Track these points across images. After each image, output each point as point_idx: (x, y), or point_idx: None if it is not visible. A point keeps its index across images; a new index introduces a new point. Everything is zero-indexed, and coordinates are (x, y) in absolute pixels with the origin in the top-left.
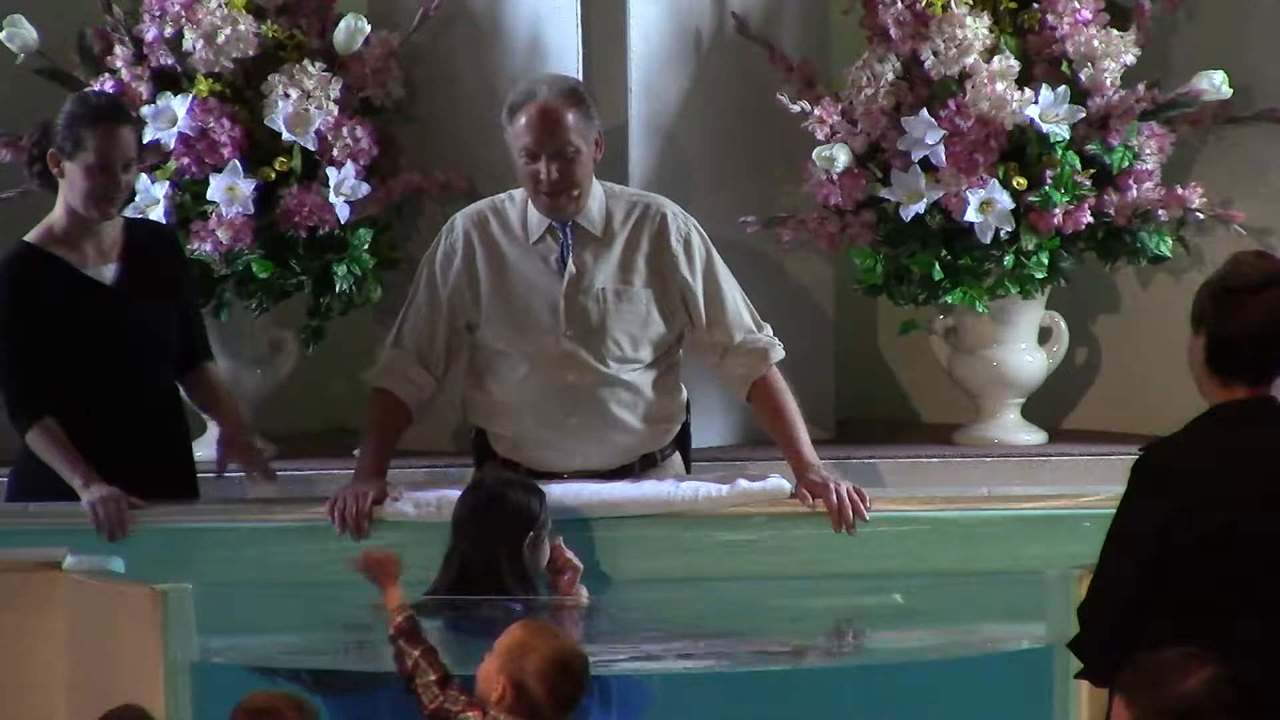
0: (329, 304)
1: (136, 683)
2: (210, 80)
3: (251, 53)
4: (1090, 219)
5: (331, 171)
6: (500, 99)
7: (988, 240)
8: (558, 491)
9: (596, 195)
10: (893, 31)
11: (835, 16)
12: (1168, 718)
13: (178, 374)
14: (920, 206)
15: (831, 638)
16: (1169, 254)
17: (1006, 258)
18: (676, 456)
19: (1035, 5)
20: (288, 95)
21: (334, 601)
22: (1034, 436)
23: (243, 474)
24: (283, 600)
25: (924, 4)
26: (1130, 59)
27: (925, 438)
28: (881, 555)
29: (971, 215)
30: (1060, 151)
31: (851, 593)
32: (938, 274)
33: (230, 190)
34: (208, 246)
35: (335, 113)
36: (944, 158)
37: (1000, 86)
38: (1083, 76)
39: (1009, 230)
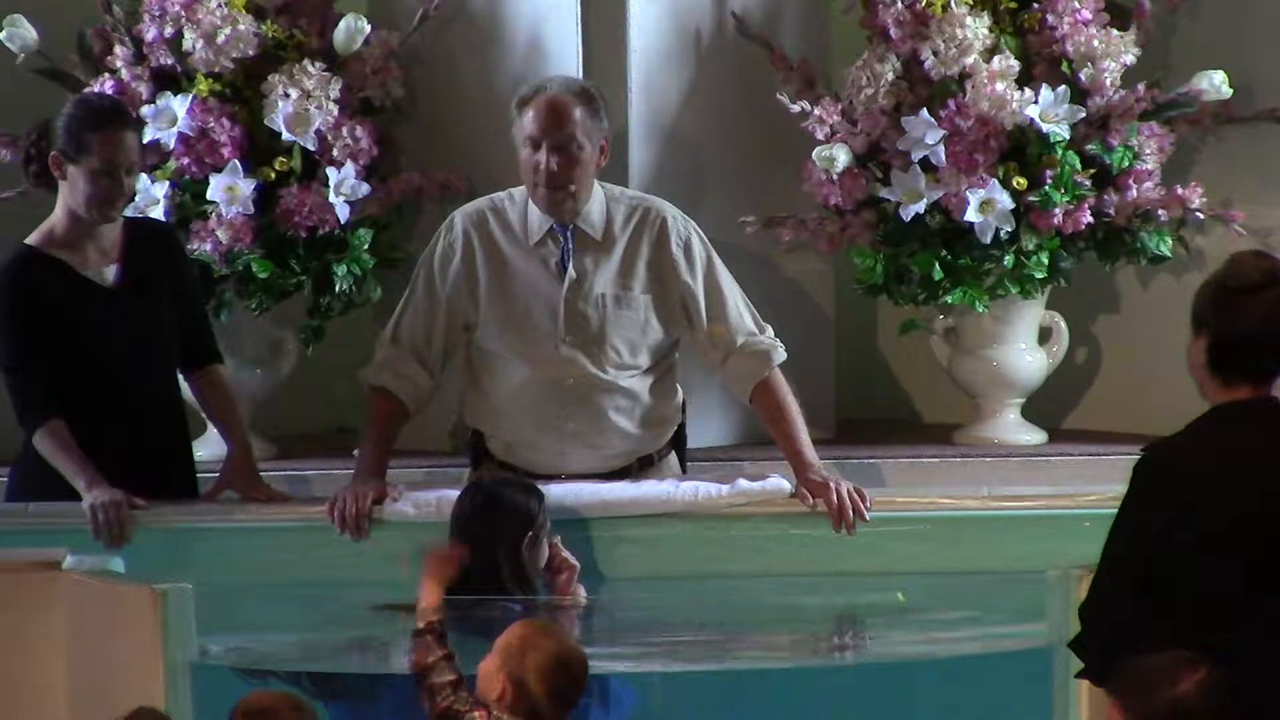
0: (329, 304)
1: (136, 683)
2: (210, 80)
3: (251, 53)
4: (1090, 219)
5: (331, 171)
6: (500, 99)
7: (988, 240)
8: (557, 492)
9: (597, 198)
10: (893, 31)
11: (835, 16)
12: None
13: (185, 373)
14: (920, 206)
15: (831, 638)
16: (1169, 254)
17: (1006, 258)
18: (673, 457)
19: (1035, 5)
20: (288, 95)
21: (334, 601)
22: (1034, 436)
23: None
24: (283, 600)
25: (924, 4)
26: (1130, 59)
27: (925, 438)
28: (881, 555)
29: (971, 215)
30: (1060, 151)
31: (851, 593)
32: (938, 274)
33: (230, 190)
34: (208, 246)
35: (335, 113)
36: (944, 158)
37: (1000, 86)
38: (1083, 76)
39: (1009, 230)
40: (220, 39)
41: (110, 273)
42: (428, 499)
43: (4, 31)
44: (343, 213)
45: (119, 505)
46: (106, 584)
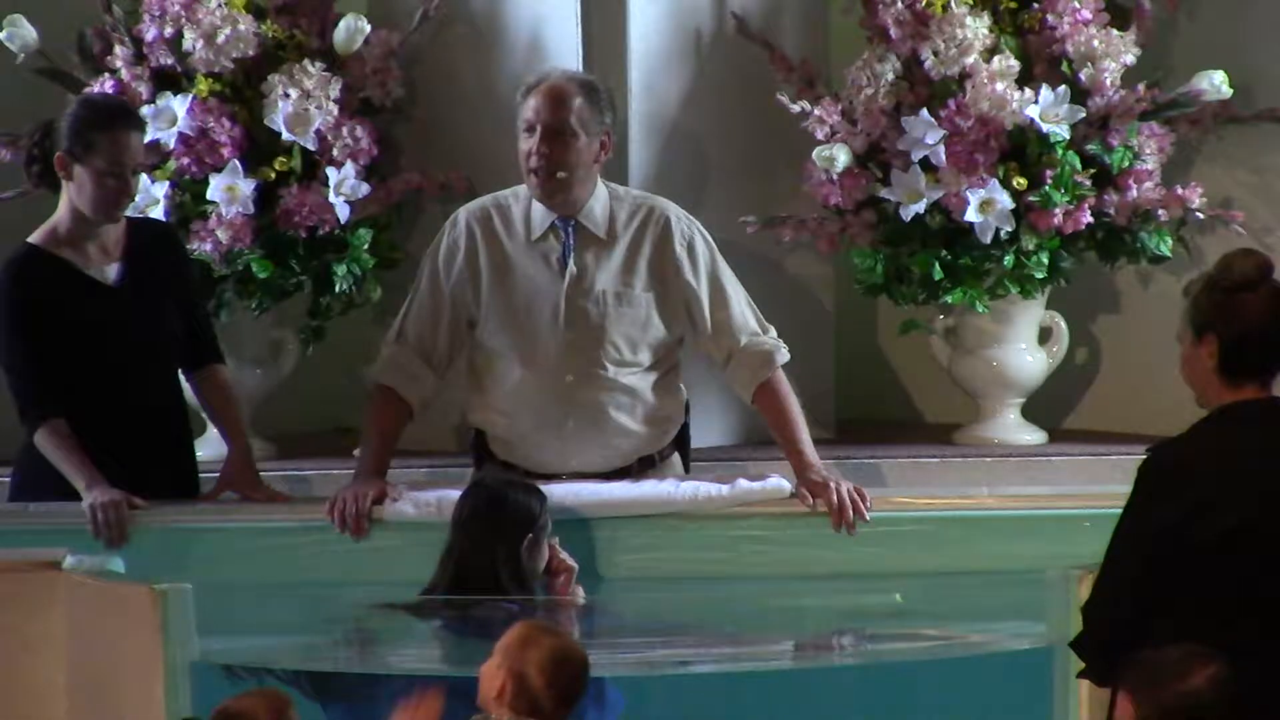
0: (329, 304)
1: (136, 683)
2: (210, 80)
3: (251, 53)
4: (1090, 219)
5: (331, 171)
6: (500, 99)
7: (988, 240)
8: (557, 492)
9: (600, 196)
10: (893, 31)
11: (835, 16)
12: (1173, 714)
13: (187, 373)
14: (920, 206)
15: (831, 638)
16: (1169, 254)
17: (1006, 258)
18: (675, 457)
19: (1035, 5)
20: (288, 95)
21: (334, 602)
22: (1034, 436)
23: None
24: (283, 600)
25: (924, 4)
26: (1130, 59)
27: (925, 438)
28: (881, 555)
29: (971, 215)
30: (1060, 151)
31: (851, 593)
32: (938, 274)
33: (230, 190)
34: (208, 246)
35: (335, 113)
36: (944, 158)
37: (1000, 86)
38: (1083, 76)
39: (1009, 230)
40: (220, 39)
41: (113, 272)
42: (428, 499)
43: (4, 31)
44: (343, 213)
45: (119, 505)
46: (106, 584)
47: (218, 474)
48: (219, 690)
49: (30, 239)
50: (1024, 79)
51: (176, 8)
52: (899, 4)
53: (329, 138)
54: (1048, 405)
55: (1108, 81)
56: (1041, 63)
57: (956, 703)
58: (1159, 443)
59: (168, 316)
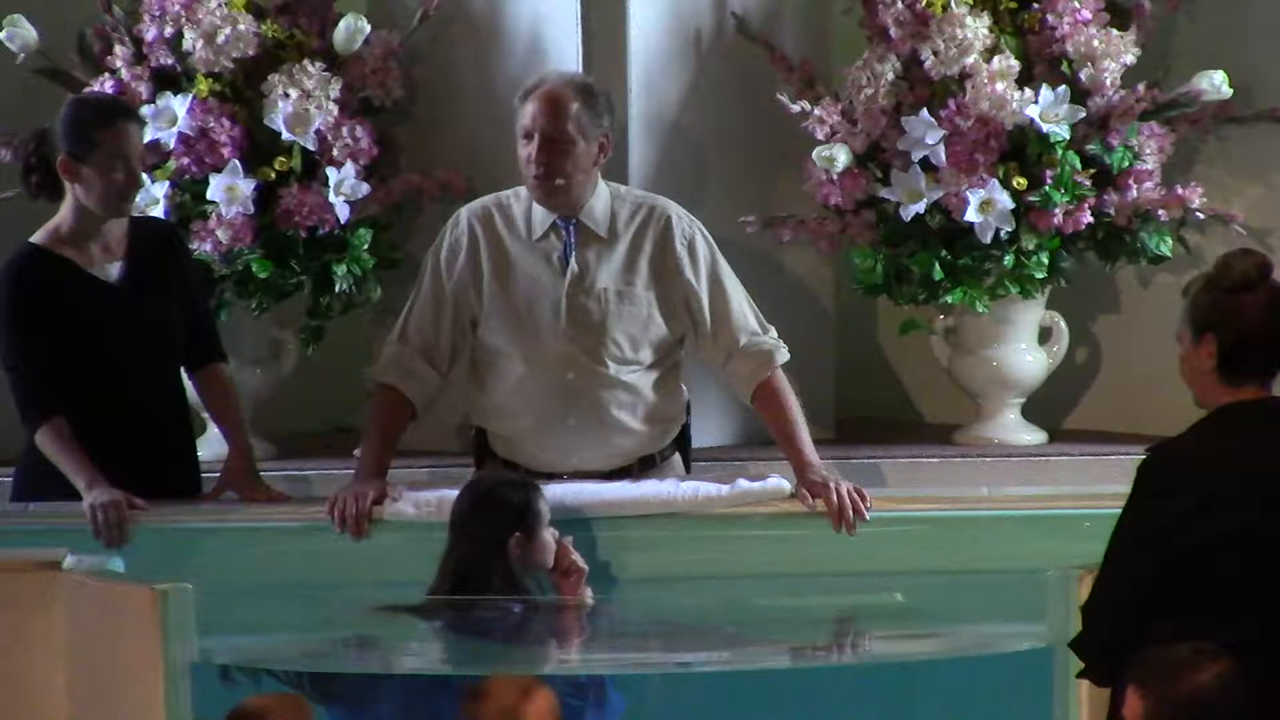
0: (329, 304)
1: (136, 683)
2: (210, 80)
3: (251, 53)
4: (1090, 219)
5: (331, 171)
6: (500, 99)
7: (988, 240)
8: (558, 491)
9: (601, 195)
10: (893, 31)
11: (835, 16)
12: (1180, 709)
13: (189, 372)
14: (920, 206)
15: (831, 638)
16: (1169, 254)
17: (1006, 258)
18: (676, 457)
19: (1035, 5)
20: (288, 95)
21: (334, 602)
22: (1034, 436)
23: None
24: (283, 600)
25: (924, 4)
26: (1130, 59)
27: (925, 438)
28: (881, 555)
29: (971, 215)
30: (1060, 151)
31: (851, 593)
32: (938, 274)
33: (230, 190)
34: (208, 246)
35: (335, 113)
36: (944, 158)
37: (1000, 86)
38: (1083, 76)
39: (1009, 230)
40: (220, 39)
41: (115, 270)
42: (428, 499)
43: (4, 31)
44: (343, 213)
45: (119, 505)
46: (106, 584)
47: (218, 474)
48: (219, 690)
49: (32, 239)
50: (1024, 79)
51: (176, 8)
52: (899, 4)
53: (329, 138)
54: (1048, 405)
55: (1108, 81)
56: (1041, 63)
57: (956, 703)
58: (1159, 443)
59: (170, 315)
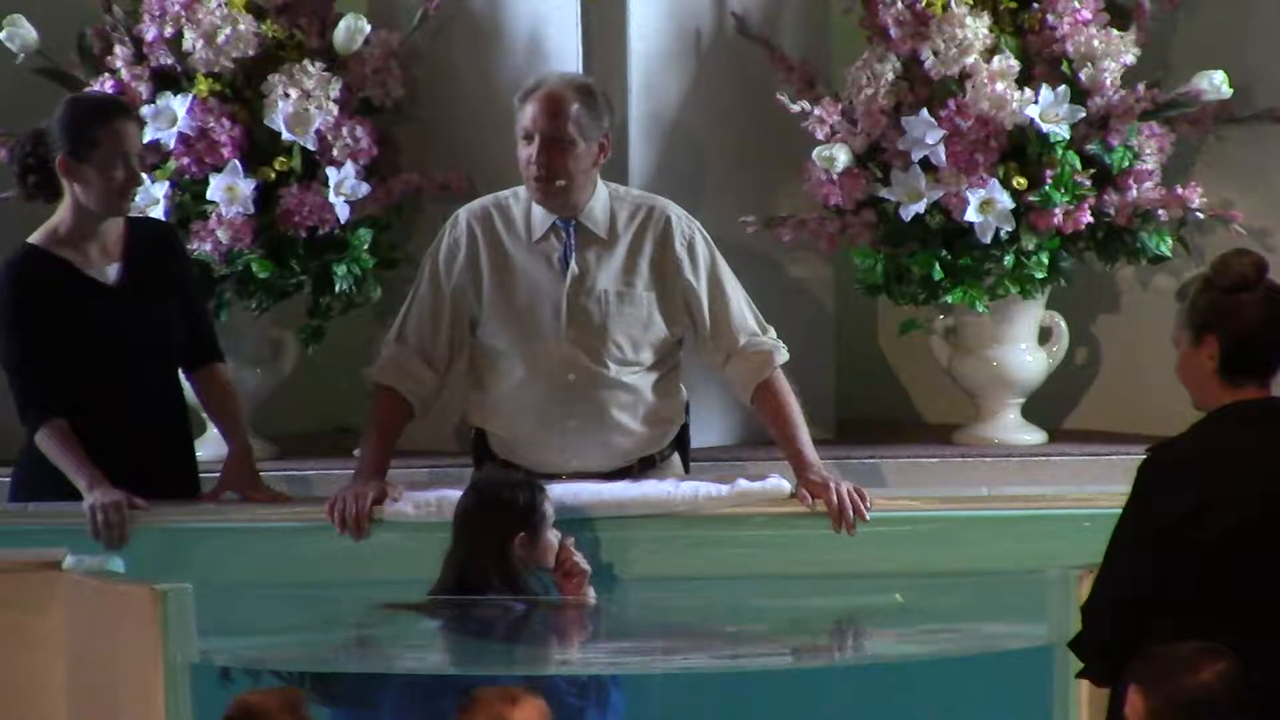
0: (329, 304)
1: (136, 683)
2: (210, 80)
3: (251, 53)
4: (1090, 219)
5: (331, 171)
6: (500, 99)
7: (988, 240)
8: (558, 492)
9: (601, 196)
10: (893, 31)
11: (835, 16)
12: (1182, 708)
13: (187, 372)
14: (920, 206)
15: (831, 638)
16: (1169, 254)
17: (1006, 258)
18: (675, 458)
19: (1035, 5)
20: (288, 95)
21: (334, 602)
22: (1034, 436)
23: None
24: (283, 600)
25: (924, 4)
26: (1130, 59)
27: (925, 438)
28: (881, 555)
29: (971, 215)
30: (1060, 151)
31: (851, 593)
32: (938, 274)
33: (230, 190)
34: (208, 246)
35: (335, 113)
36: (944, 158)
37: (1000, 86)
38: (1083, 76)
39: (1009, 230)
40: (220, 39)
41: (112, 272)
42: (428, 499)
43: (4, 31)
44: (343, 213)
45: (119, 506)
46: (106, 584)
47: (218, 474)
48: (219, 690)
49: (30, 239)
50: (1024, 79)
51: (176, 8)
52: (899, 4)
53: (329, 138)
54: (1048, 405)
55: (1108, 81)
56: (1041, 63)
57: (957, 703)
58: (1159, 443)
59: (168, 316)
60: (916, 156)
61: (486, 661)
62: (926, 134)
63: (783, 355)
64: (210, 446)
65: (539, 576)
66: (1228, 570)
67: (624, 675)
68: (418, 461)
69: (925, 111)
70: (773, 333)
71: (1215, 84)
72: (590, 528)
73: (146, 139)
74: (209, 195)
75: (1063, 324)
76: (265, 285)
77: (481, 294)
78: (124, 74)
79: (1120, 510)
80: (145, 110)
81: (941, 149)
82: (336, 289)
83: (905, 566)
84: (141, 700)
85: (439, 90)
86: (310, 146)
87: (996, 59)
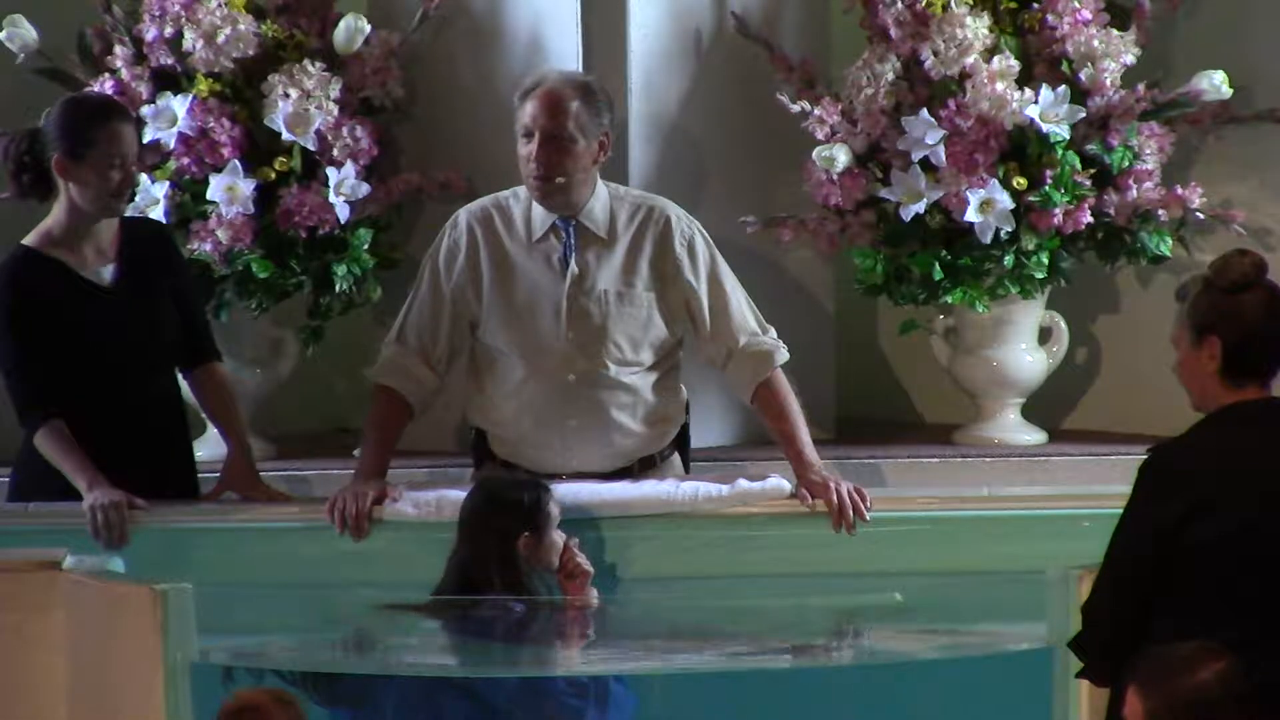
0: (329, 304)
1: (136, 683)
2: (210, 80)
3: (251, 53)
4: (1090, 219)
5: (331, 171)
6: (500, 99)
7: (988, 240)
8: (558, 492)
9: (601, 196)
10: (893, 31)
11: (835, 16)
12: (1181, 709)
13: (185, 372)
14: (920, 206)
15: (831, 638)
16: (1169, 254)
17: (1006, 258)
18: (676, 458)
19: (1035, 5)
20: (288, 95)
21: (334, 602)
22: (1034, 436)
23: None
24: (283, 600)
25: (924, 4)
26: (1130, 59)
27: (925, 438)
28: (881, 555)
29: (971, 215)
30: (1060, 151)
31: (851, 593)
32: (938, 274)
33: (230, 190)
34: (208, 246)
35: (335, 113)
36: (944, 158)
37: (1000, 86)
38: (1083, 76)
39: (1009, 230)
40: (220, 39)
41: (108, 273)
42: (427, 499)
43: (4, 31)
44: (343, 213)
45: (119, 506)
46: (106, 584)
47: (218, 474)
48: (219, 690)
49: (24, 241)
50: (1024, 79)
51: (176, 8)
52: (899, 4)
53: (329, 138)
54: (1048, 405)
55: (1108, 81)
56: (1041, 63)
57: (956, 703)
58: (1159, 443)
59: (164, 316)
60: (916, 156)
61: (488, 663)
62: (926, 134)
63: (783, 355)
64: (210, 446)
65: (542, 577)
66: (1227, 570)
67: (621, 675)
68: (418, 461)
69: (925, 111)
70: (773, 332)
71: (1215, 84)
72: (590, 528)
73: (147, 139)
74: (209, 195)
75: (1063, 324)
76: (265, 285)
77: (481, 294)
78: (124, 74)
79: (1120, 510)
80: (145, 110)
81: (941, 149)
82: (336, 289)
83: (905, 566)
84: (141, 700)
85: (439, 90)
86: (310, 146)
87: (996, 59)
